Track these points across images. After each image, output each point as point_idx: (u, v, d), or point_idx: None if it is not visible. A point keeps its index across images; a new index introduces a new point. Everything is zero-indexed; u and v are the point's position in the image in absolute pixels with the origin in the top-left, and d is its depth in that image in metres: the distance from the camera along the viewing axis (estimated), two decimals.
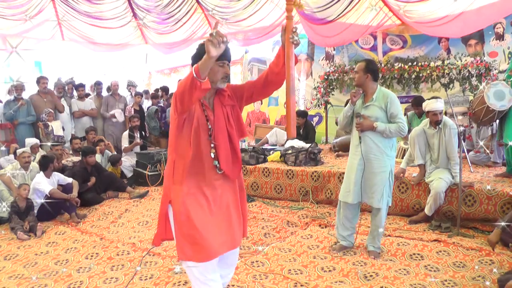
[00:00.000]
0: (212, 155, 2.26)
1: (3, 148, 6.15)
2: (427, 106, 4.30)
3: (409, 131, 4.88)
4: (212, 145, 2.25)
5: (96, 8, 8.21)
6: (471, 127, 5.69)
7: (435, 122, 4.27)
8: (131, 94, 8.33)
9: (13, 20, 7.65)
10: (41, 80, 7.03)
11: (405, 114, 6.35)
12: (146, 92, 9.11)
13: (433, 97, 4.41)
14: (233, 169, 2.34)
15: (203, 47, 2.16)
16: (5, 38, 7.77)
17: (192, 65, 2.22)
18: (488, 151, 5.22)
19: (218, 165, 2.26)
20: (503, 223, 3.12)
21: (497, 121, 4.65)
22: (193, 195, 2.24)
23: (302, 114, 6.98)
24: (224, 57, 2.19)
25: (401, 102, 7.02)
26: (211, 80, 2.15)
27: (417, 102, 5.53)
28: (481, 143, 4.90)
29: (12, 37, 7.85)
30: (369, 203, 3.52)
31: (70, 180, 5.35)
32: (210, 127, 2.25)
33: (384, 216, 3.51)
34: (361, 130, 3.43)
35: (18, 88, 6.72)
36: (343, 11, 6.56)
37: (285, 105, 2.18)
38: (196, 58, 2.19)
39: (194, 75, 1.91)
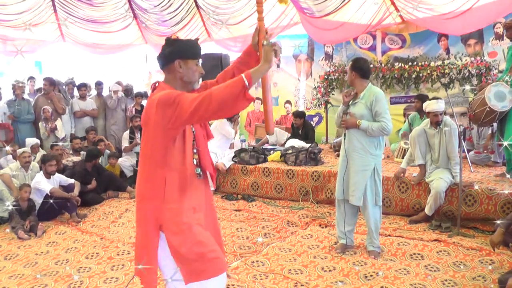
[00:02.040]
0: (195, 162, 2.09)
1: (8, 148, 6.12)
2: (428, 106, 4.31)
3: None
4: (194, 150, 2.09)
5: (97, 12, 8.21)
6: (471, 129, 5.69)
7: (436, 123, 4.28)
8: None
9: (13, 27, 7.67)
10: (43, 81, 7.05)
11: (405, 115, 6.36)
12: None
13: (434, 98, 4.42)
14: (214, 173, 2.24)
15: (177, 43, 2.02)
16: (6, 42, 7.79)
17: (167, 64, 2.03)
18: (494, 150, 5.21)
19: (200, 172, 2.12)
20: (499, 221, 3.13)
21: (497, 121, 4.65)
22: (192, 210, 2.06)
23: (300, 115, 6.98)
24: (200, 56, 2.10)
25: (401, 102, 7.14)
26: (190, 81, 2.05)
27: (420, 97, 5.66)
28: (505, 143, 4.82)
29: (15, 40, 7.87)
30: (350, 201, 3.52)
31: (72, 181, 5.35)
32: (194, 131, 2.10)
33: (372, 215, 3.50)
34: (345, 127, 3.46)
35: (19, 87, 6.73)
36: (340, 4, 6.55)
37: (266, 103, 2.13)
38: (173, 56, 2.00)
39: (247, 84, 1.73)
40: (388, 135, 3.47)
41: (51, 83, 7.06)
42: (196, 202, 2.09)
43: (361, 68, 3.46)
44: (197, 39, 2.12)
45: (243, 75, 1.78)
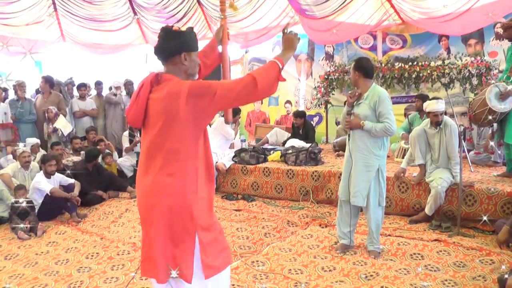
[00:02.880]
0: None
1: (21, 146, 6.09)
2: (428, 106, 4.30)
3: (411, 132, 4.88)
4: None
5: (97, 10, 8.20)
6: (472, 129, 5.68)
7: (436, 123, 4.28)
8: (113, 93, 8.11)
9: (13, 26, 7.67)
10: (40, 80, 7.06)
11: (405, 115, 6.35)
12: None
13: (434, 98, 4.41)
14: None
15: (182, 35, 1.99)
16: (7, 40, 7.78)
17: (171, 56, 1.98)
18: (495, 149, 5.22)
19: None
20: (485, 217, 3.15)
21: (497, 121, 4.65)
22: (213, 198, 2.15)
23: (301, 114, 6.99)
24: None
25: (401, 102, 7.13)
26: (193, 72, 2.06)
27: (421, 96, 5.77)
28: (492, 143, 4.87)
29: (15, 40, 7.86)
30: (353, 202, 3.50)
31: (72, 181, 5.35)
32: None
33: (374, 216, 3.50)
34: (350, 128, 3.46)
35: (20, 87, 6.72)
36: (341, 4, 6.55)
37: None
38: (179, 48, 1.97)
39: (281, 67, 1.95)
40: (391, 135, 3.44)
41: (46, 81, 7.02)
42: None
43: (364, 68, 3.45)
44: (192, 28, 2.10)
45: (276, 60, 1.96)
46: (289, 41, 2.07)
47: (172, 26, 2.03)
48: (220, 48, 2.43)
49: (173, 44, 1.98)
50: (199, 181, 1.97)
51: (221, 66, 2.42)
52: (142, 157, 2.04)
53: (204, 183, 2.02)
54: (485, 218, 3.74)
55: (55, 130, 6.70)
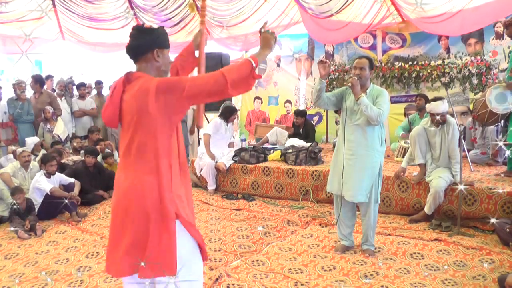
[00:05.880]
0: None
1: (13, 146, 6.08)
2: (433, 108, 4.27)
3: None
4: None
5: (97, 10, 8.19)
6: (475, 129, 5.67)
7: (438, 123, 4.27)
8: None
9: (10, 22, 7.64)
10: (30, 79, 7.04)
11: (405, 115, 6.35)
12: None
13: (435, 97, 4.39)
14: None
15: (154, 32, 2.01)
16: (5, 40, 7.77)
17: (144, 53, 1.98)
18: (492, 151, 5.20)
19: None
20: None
21: (502, 121, 4.65)
22: (188, 194, 2.15)
23: (301, 114, 7.00)
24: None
25: (401, 102, 7.14)
26: (166, 69, 2.07)
27: (424, 96, 5.83)
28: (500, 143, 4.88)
29: (14, 39, 7.84)
30: (354, 199, 3.47)
31: (72, 180, 5.35)
32: None
33: (373, 212, 3.49)
34: (352, 85, 3.36)
35: (20, 87, 6.71)
36: (343, 5, 6.55)
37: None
38: (152, 45, 1.99)
39: (254, 64, 1.94)
40: (376, 124, 3.39)
41: (36, 81, 6.96)
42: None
43: (373, 68, 3.59)
44: (163, 27, 2.11)
45: (250, 58, 1.96)
46: (266, 40, 2.07)
47: (143, 24, 2.04)
48: (197, 52, 2.38)
49: (146, 41, 1.98)
50: (173, 179, 1.96)
51: (197, 70, 2.38)
52: (120, 157, 2.04)
53: (179, 180, 2.01)
54: (495, 221, 3.70)
55: (54, 137, 6.70)
